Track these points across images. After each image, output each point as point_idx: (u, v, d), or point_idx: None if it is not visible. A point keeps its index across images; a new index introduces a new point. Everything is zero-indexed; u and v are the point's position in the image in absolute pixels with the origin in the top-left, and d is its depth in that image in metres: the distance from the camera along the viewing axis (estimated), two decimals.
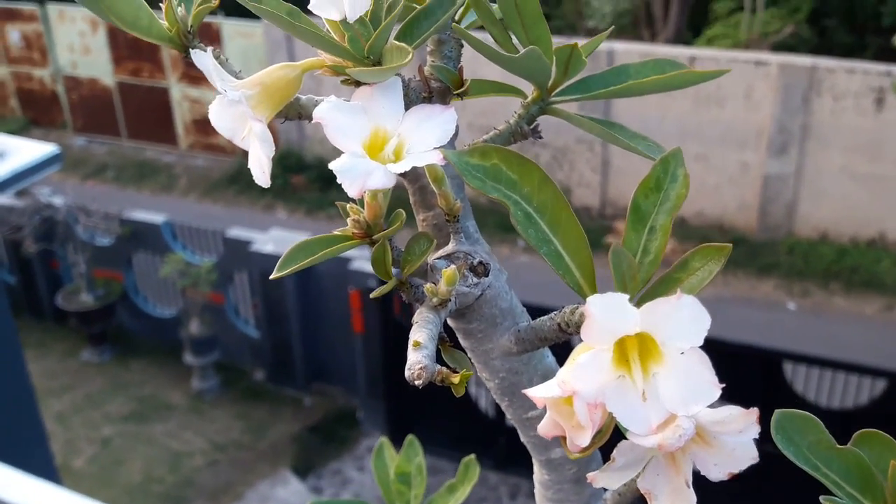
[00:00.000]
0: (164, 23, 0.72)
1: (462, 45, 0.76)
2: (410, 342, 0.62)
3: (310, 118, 0.72)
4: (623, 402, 0.54)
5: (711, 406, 0.55)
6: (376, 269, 0.70)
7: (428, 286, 0.68)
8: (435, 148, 0.62)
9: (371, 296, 0.70)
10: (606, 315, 0.53)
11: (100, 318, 9.44)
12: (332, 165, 0.60)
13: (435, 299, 0.67)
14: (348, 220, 0.70)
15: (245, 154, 0.71)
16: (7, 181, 5.50)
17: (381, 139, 0.64)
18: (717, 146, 11.02)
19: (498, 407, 6.63)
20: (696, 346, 0.53)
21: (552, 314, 0.69)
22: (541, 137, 0.77)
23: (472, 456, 1.05)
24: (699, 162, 11.06)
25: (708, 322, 0.52)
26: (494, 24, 0.74)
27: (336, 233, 0.70)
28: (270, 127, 0.69)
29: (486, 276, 0.73)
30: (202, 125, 13.73)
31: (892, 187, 10.60)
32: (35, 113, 15.50)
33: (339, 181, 0.60)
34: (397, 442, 1.10)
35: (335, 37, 0.67)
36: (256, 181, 0.70)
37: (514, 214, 0.60)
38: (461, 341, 0.79)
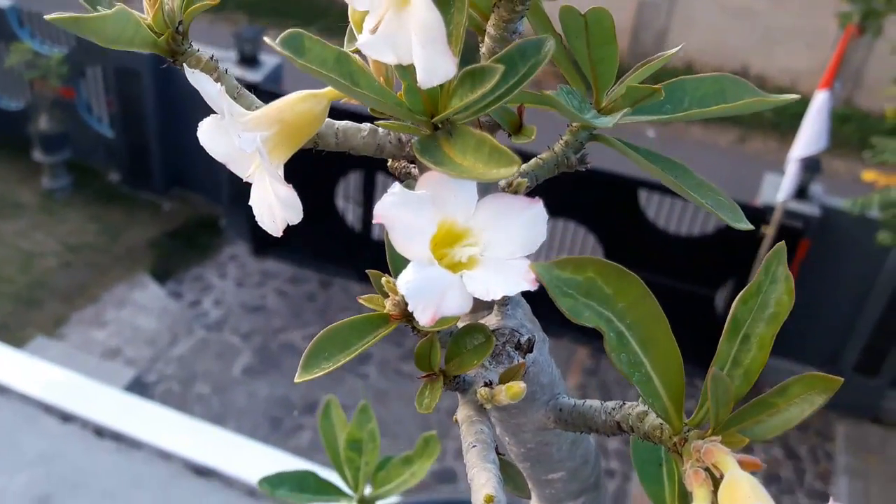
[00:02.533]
0: (148, 18, 0.56)
1: None
2: (479, 493, 0.50)
3: (327, 147, 0.58)
4: None
5: None
6: (419, 362, 0.58)
7: (482, 391, 0.57)
8: (522, 257, 0.49)
9: (418, 409, 0.58)
10: None
11: None
12: (400, 287, 0.47)
13: (488, 405, 0.57)
14: (386, 301, 0.58)
15: None
16: None
17: (447, 232, 0.50)
18: None
19: (365, 222, 6.45)
20: None
21: (609, 407, 0.60)
22: (588, 167, 0.66)
23: (433, 432, 0.98)
24: None
25: None
26: (552, 36, 0.60)
27: (366, 303, 0.58)
28: None
29: (531, 351, 0.63)
30: None
31: (760, 22, 10.75)
32: None
33: (409, 308, 0.47)
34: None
35: (374, 71, 0.52)
36: (262, 226, 0.57)
37: (607, 338, 0.50)
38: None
